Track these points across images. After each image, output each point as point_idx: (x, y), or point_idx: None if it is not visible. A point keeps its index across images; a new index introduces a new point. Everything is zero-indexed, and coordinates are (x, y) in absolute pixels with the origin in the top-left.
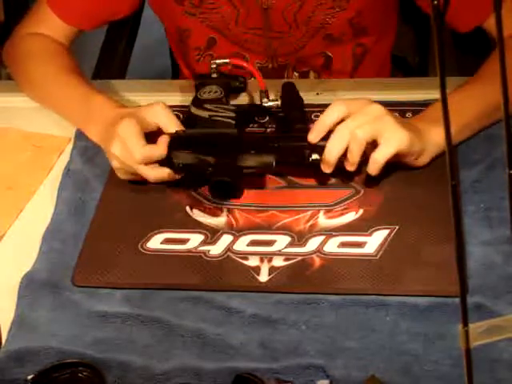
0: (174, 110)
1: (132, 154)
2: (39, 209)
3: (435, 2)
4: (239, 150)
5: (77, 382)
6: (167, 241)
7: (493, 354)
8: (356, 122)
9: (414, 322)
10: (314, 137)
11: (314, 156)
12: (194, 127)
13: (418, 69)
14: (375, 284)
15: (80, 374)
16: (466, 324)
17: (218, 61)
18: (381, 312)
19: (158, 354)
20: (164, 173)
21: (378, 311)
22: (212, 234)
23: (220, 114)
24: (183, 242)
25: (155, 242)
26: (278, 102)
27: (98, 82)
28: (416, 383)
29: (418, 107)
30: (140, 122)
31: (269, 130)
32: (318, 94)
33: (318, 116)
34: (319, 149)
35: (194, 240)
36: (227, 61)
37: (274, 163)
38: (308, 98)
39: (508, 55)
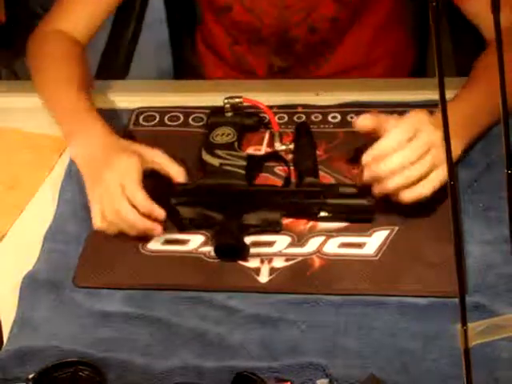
0: (174, 111)
1: (131, 196)
2: (40, 209)
3: (434, 3)
4: (246, 208)
5: (77, 382)
6: (168, 242)
7: (492, 353)
8: (417, 145)
9: (413, 321)
10: (368, 160)
11: (323, 213)
12: (203, 172)
13: (418, 69)
14: (375, 284)
15: (81, 374)
16: (464, 323)
17: (231, 100)
18: (380, 311)
19: (159, 353)
20: (155, 227)
21: (378, 311)
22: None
23: (231, 163)
24: (184, 243)
25: (156, 243)
26: (291, 146)
27: (99, 83)
28: (415, 382)
29: (416, 108)
30: (140, 161)
31: (268, 131)
32: (317, 94)
33: (317, 117)
34: (328, 206)
35: (195, 241)
36: (241, 100)
37: (280, 221)
38: (308, 98)
39: (506, 52)
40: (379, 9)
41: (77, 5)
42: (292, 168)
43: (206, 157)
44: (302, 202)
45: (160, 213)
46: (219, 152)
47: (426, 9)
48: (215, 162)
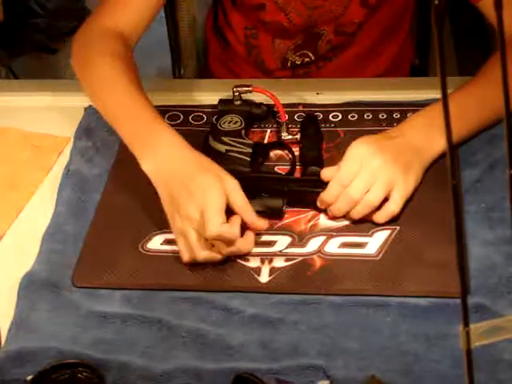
0: (174, 110)
1: (207, 226)
2: (39, 209)
3: (436, 2)
4: (250, 194)
5: (76, 383)
6: (167, 242)
7: (494, 354)
8: (362, 183)
9: (414, 322)
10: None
11: None
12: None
13: (418, 69)
14: (376, 285)
15: (79, 375)
16: (466, 325)
17: (240, 88)
18: (381, 312)
19: (158, 354)
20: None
21: (379, 311)
22: None
23: (236, 150)
24: None
25: (155, 243)
26: (297, 136)
27: None
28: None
29: (418, 107)
30: (224, 195)
31: (269, 130)
32: (318, 93)
33: (318, 116)
34: None
35: None
36: (250, 88)
37: (283, 208)
38: (308, 97)
39: (509, 56)
40: (389, 9)
41: (126, 2)
42: (297, 156)
43: (213, 143)
44: (304, 190)
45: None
46: (226, 139)
47: (428, 7)
48: (221, 148)
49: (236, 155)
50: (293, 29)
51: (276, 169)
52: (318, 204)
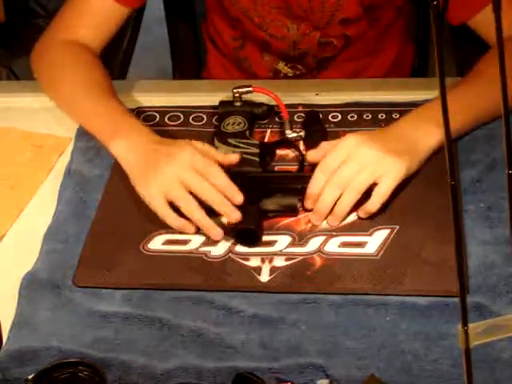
0: (174, 110)
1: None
2: (40, 209)
3: (435, 2)
4: (264, 194)
5: (77, 382)
6: (168, 242)
7: (492, 353)
8: (349, 170)
9: (413, 321)
10: (309, 204)
11: None
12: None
13: (418, 69)
14: (376, 284)
15: (80, 374)
16: (465, 324)
17: (240, 89)
18: (381, 312)
19: (159, 353)
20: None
21: (378, 311)
22: None
23: (244, 151)
24: (184, 242)
25: (156, 243)
26: (302, 133)
27: None
28: (416, 383)
29: (417, 107)
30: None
31: (269, 130)
32: (317, 94)
33: None
34: None
35: (195, 241)
36: (250, 89)
37: (298, 205)
38: (308, 98)
39: (507, 57)
40: (384, 15)
41: (87, 13)
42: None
43: (219, 145)
44: None
45: (240, 198)
46: (232, 140)
47: (426, 8)
48: (228, 150)
49: (244, 156)
50: (276, 45)
51: (277, 168)
52: (306, 203)
